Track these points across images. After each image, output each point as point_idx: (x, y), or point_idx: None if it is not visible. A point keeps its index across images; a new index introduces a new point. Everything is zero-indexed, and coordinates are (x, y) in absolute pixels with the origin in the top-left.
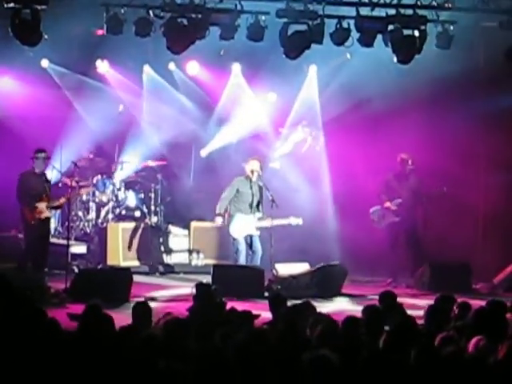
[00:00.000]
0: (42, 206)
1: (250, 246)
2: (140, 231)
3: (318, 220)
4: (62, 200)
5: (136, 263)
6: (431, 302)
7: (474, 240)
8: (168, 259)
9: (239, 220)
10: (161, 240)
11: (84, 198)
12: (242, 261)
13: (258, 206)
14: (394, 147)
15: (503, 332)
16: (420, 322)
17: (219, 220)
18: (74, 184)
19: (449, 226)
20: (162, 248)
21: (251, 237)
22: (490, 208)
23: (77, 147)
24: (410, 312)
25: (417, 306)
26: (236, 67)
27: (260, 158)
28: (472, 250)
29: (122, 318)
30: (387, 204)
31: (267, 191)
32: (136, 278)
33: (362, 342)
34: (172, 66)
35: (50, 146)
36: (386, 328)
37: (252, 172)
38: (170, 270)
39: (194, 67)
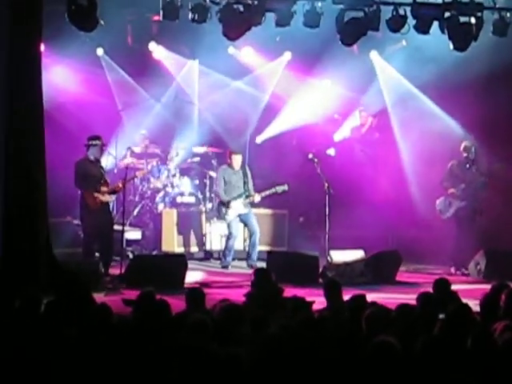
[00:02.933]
0: (102, 190)
1: (246, 227)
2: (195, 217)
3: (375, 207)
4: (120, 184)
5: (191, 249)
6: (487, 290)
7: None
8: (223, 245)
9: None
10: (215, 226)
11: (139, 184)
12: (231, 244)
13: (243, 188)
14: (453, 135)
15: None
16: (476, 310)
17: (242, 202)
18: (130, 167)
19: (507, 212)
20: (217, 234)
21: (242, 216)
22: None
23: (132, 133)
24: (465, 300)
25: (472, 294)
26: (287, 55)
27: (239, 151)
28: None
29: (177, 303)
30: (451, 190)
31: (322, 176)
32: (191, 264)
33: (416, 329)
34: (232, 49)
35: (106, 133)
36: (441, 316)
37: (235, 166)
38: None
39: (249, 53)
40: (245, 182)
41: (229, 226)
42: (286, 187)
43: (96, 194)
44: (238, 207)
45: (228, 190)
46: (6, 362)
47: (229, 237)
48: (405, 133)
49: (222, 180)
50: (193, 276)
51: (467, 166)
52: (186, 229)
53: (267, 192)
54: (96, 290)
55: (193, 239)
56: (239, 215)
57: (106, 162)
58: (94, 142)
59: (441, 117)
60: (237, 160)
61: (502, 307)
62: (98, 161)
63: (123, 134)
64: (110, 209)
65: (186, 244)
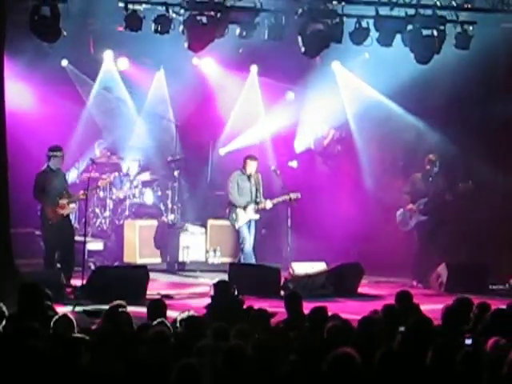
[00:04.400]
0: (62, 202)
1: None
2: (157, 229)
3: (337, 219)
4: (82, 194)
5: (153, 261)
6: (448, 302)
7: (492, 240)
8: (185, 257)
9: (238, 210)
10: (178, 238)
11: (101, 194)
12: (248, 249)
13: (255, 195)
14: (416, 148)
15: None
16: (437, 323)
17: (253, 208)
18: (92, 177)
19: (467, 226)
20: (179, 246)
21: (250, 221)
22: (508, 208)
23: (91, 145)
24: (426, 313)
25: (434, 307)
26: (254, 69)
27: (255, 156)
28: (489, 251)
29: (138, 315)
30: (410, 206)
31: (284, 187)
32: (153, 275)
33: (378, 341)
34: (196, 60)
35: (64, 144)
36: (401, 329)
37: (249, 171)
38: (186, 267)
39: (210, 64)
40: (257, 189)
41: (240, 231)
42: (298, 195)
43: (58, 206)
44: (249, 213)
45: (240, 195)
46: None
47: (242, 242)
48: (367, 144)
49: (236, 185)
50: (155, 287)
51: (430, 179)
52: (148, 240)
53: (280, 199)
54: (58, 301)
55: (155, 250)
56: (249, 221)
57: (73, 174)
58: (54, 153)
59: (405, 128)
60: (251, 166)
61: (472, 321)
62: (59, 171)
63: (81, 145)
64: (72, 220)
65: (148, 255)
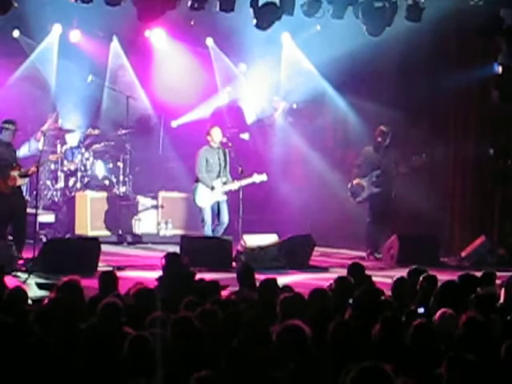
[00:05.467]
0: (13, 174)
1: (217, 214)
2: (108, 201)
3: (289, 191)
4: (33, 168)
5: (104, 233)
6: (399, 274)
7: (443, 213)
8: (136, 229)
9: (204, 189)
10: (129, 210)
11: (52, 167)
12: (207, 231)
13: (224, 173)
14: (367, 120)
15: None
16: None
17: (221, 189)
18: (43, 150)
19: (419, 199)
20: (131, 218)
21: (219, 204)
22: (459, 181)
23: (44, 116)
24: (377, 284)
25: (385, 278)
26: (209, 41)
27: (219, 125)
28: (440, 223)
29: (90, 287)
30: (357, 180)
31: (235, 160)
32: (104, 247)
33: (329, 313)
34: (147, 32)
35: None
36: (350, 301)
37: (216, 140)
38: (138, 239)
39: (160, 35)
40: (223, 166)
41: (202, 211)
42: (264, 177)
43: (9, 178)
44: (216, 194)
45: (209, 172)
46: None
47: (202, 222)
48: (318, 116)
49: (204, 161)
50: (106, 259)
51: (381, 151)
52: (100, 212)
53: (245, 181)
54: (9, 273)
55: (106, 223)
56: (216, 202)
57: (24, 150)
58: (6, 126)
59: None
60: (217, 133)
61: (419, 293)
62: (10, 144)
63: (35, 116)
64: (23, 192)
65: (100, 227)
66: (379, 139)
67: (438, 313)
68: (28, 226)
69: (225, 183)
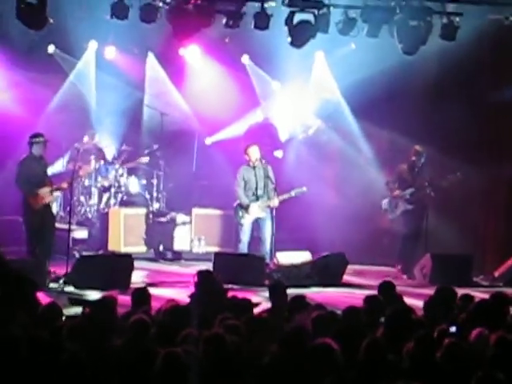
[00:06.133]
0: (45, 190)
1: (258, 231)
2: (142, 217)
3: (322, 209)
4: (65, 185)
5: (137, 249)
6: (431, 293)
7: (476, 233)
8: (169, 246)
9: (245, 210)
10: (163, 226)
11: (86, 183)
12: (242, 249)
13: (263, 190)
14: (400, 138)
15: (505, 324)
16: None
17: (254, 207)
18: (77, 166)
19: (452, 218)
20: (164, 234)
21: (258, 221)
22: (493, 201)
23: (80, 133)
24: (410, 303)
25: (417, 297)
26: (245, 59)
27: (257, 144)
28: (474, 243)
29: (123, 304)
30: (396, 192)
31: (271, 180)
32: (137, 263)
33: (362, 332)
34: (182, 51)
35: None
36: (382, 320)
37: (253, 159)
38: (171, 256)
39: (195, 53)
40: (265, 184)
41: (241, 229)
42: (304, 189)
43: (38, 196)
44: (255, 211)
45: (247, 190)
46: None
47: (238, 239)
48: (352, 135)
49: (242, 181)
50: (139, 276)
51: (416, 170)
52: (133, 228)
53: (285, 196)
54: (41, 288)
55: (139, 239)
56: (256, 219)
57: (57, 165)
58: (36, 140)
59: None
60: (254, 152)
61: (455, 311)
62: (42, 158)
63: (72, 132)
64: (56, 208)
65: (133, 243)
66: (414, 158)
67: (474, 332)
68: (61, 241)
69: (264, 201)
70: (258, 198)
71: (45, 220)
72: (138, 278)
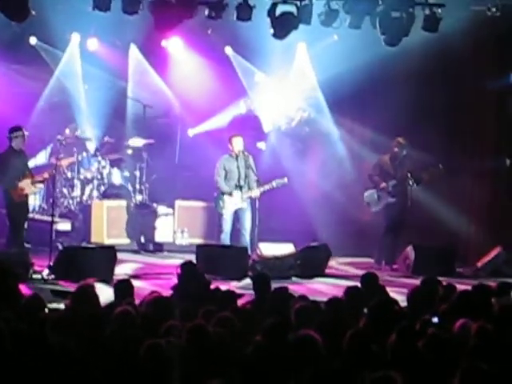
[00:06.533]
0: (25, 183)
1: (239, 222)
2: (125, 209)
3: (305, 201)
4: (46, 175)
5: (120, 241)
6: (415, 284)
7: (459, 223)
8: (152, 238)
9: (225, 197)
10: (146, 218)
11: (69, 175)
12: (224, 239)
13: (244, 181)
14: (382, 130)
15: (487, 315)
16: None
17: (237, 195)
18: (59, 158)
19: (435, 209)
20: (147, 226)
21: (238, 212)
22: (476, 192)
23: (62, 125)
24: (392, 294)
25: (400, 288)
26: (228, 50)
27: (241, 134)
28: (456, 234)
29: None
30: (383, 185)
31: (252, 170)
32: (120, 255)
33: (345, 323)
34: (164, 42)
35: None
36: (365, 311)
37: (236, 149)
38: (154, 248)
39: (177, 44)
40: (246, 172)
41: (221, 219)
42: (285, 180)
43: (18, 188)
44: (236, 201)
45: (228, 180)
46: None
47: (220, 229)
48: (335, 126)
49: (223, 170)
50: (122, 268)
51: (397, 161)
52: (116, 220)
53: (266, 186)
54: (25, 280)
55: (122, 231)
56: (237, 210)
57: (40, 158)
58: (15, 134)
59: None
60: (238, 142)
61: (438, 302)
62: (21, 151)
63: (52, 124)
64: (39, 200)
65: (116, 235)
66: (396, 150)
67: (458, 323)
68: (44, 233)
69: (246, 191)
70: (240, 189)
71: (23, 211)
72: (121, 269)
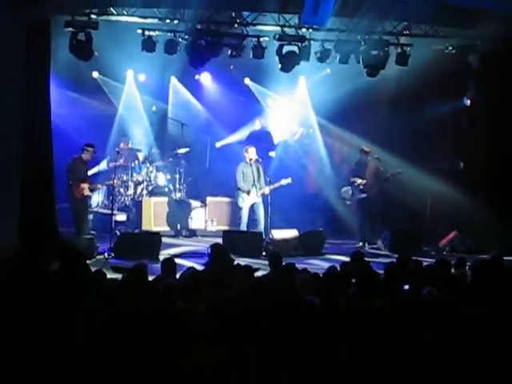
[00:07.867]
0: (84, 185)
1: (255, 213)
2: (168, 204)
3: (308, 196)
4: (99, 186)
5: (165, 228)
6: (391, 260)
7: (425, 211)
8: (189, 225)
9: (243, 194)
10: (184, 211)
11: (124, 178)
12: (243, 227)
13: (258, 181)
14: (366, 139)
15: (446, 283)
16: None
17: (254, 193)
18: (117, 165)
19: (407, 200)
20: (185, 217)
21: (254, 205)
22: (438, 187)
23: (118, 139)
24: (374, 267)
25: (380, 262)
26: (247, 80)
27: (254, 145)
28: (423, 219)
29: (153, 271)
30: (359, 181)
31: (265, 174)
32: (164, 239)
33: (339, 290)
34: (197, 76)
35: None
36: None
37: (250, 157)
38: (190, 234)
39: (207, 77)
40: (258, 175)
41: (241, 212)
42: (289, 180)
43: (79, 187)
44: (252, 197)
45: (245, 181)
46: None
47: (240, 220)
48: (328, 139)
49: (241, 173)
50: (166, 249)
51: (364, 165)
52: (161, 213)
53: (275, 185)
54: (90, 259)
55: (166, 220)
56: (253, 204)
57: (103, 165)
58: (88, 148)
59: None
60: (251, 152)
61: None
62: (86, 162)
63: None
64: (102, 198)
65: (161, 224)
66: (363, 156)
67: (425, 290)
68: (106, 223)
69: (260, 189)
70: (255, 187)
71: (83, 206)
72: (165, 250)
